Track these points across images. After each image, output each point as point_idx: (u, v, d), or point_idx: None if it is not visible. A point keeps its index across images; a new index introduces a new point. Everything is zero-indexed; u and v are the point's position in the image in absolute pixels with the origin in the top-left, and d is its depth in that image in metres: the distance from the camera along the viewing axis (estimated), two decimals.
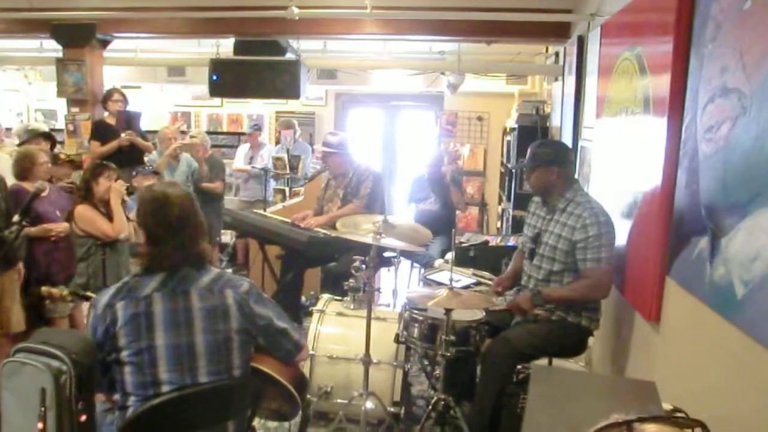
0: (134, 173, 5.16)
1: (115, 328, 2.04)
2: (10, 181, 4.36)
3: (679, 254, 2.38)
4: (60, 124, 8.04)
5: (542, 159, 3.19)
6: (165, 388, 2.04)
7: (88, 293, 2.62)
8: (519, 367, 3.01)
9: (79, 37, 5.90)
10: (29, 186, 4.13)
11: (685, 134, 2.42)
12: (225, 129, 9.85)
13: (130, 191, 4.45)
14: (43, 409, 1.84)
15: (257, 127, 7.80)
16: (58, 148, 5.80)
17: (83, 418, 1.90)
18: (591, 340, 3.26)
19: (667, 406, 1.62)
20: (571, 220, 3.06)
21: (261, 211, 5.61)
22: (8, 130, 8.14)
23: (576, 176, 4.07)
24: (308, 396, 3.38)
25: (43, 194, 3.93)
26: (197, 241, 2.19)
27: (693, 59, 2.40)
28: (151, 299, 2.08)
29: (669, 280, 2.51)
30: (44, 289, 2.67)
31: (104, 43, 6.20)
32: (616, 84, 3.45)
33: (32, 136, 5.50)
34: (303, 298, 5.37)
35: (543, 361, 3.16)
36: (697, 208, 2.23)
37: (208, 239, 2.38)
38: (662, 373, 2.49)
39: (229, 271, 6.89)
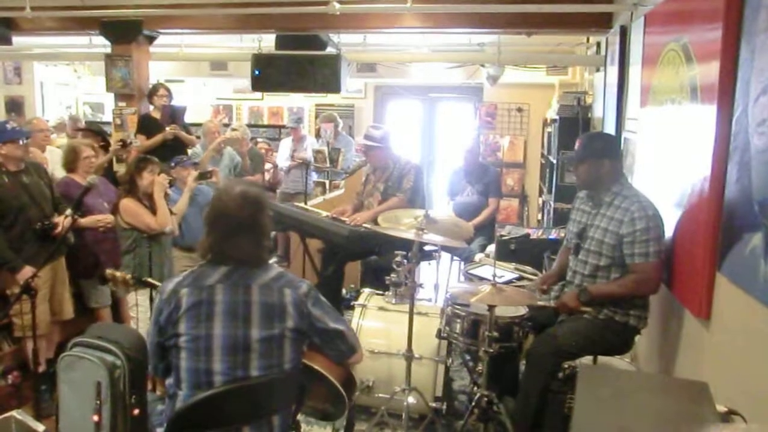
0: (173, 164, 5.23)
1: (178, 313, 2.12)
2: (61, 173, 4.49)
3: (731, 250, 2.33)
4: (107, 116, 8.23)
5: (594, 151, 3.14)
6: (217, 378, 2.09)
7: (150, 279, 2.69)
8: (565, 366, 2.98)
9: (126, 34, 6.02)
10: (78, 178, 4.24)
11: (735, 127, 2.36)
12: (266, 122, 9.98)
13: (170, 183, 4.53)
14: (98, 402, 1.89)
15: (299, 121, 7.86)
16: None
17: (136, 411, 1.96)
18: (637, 337, 3.21)
19: (721, 408, 1.58)
20: (618, 213, 3.01)
21: (302, 204, 5.66)
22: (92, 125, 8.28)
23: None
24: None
25: None
26: (264, 239, 2.27)
27: (744, 50, 2.33)
28: (214, 289, 2.14)
29: (720, 276, 2.45)
30: (109, 271, 2.74)
31: (150, 39, 6.32)
32: (662, 74, 3.38)
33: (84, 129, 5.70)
34: (343, 291, 5.40)
35: (588, 358, 3.13)
36: (750, 203, 2.18)
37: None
38: (713, 373, 2.43)
39: (272, 260, 6.99)
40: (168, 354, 2.17)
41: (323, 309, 2.28)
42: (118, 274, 2.77)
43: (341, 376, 2.40)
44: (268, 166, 7.07)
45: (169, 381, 2.17)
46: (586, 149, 3.18)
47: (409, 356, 3.30)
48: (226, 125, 7.94)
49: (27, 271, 3.71)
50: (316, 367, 2.32)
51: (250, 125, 8.56)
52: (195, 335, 2.10)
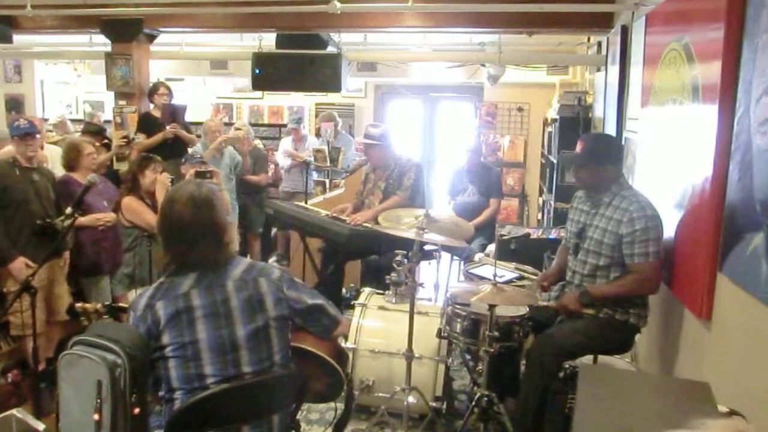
0: (183, 160, 5.25)
1: (158, 328, 2.08)
2: (60, 171, 4.49)
3: (732, 250, 2.33)
4: (107, 115, 8.23)
5: (598, 158, 3.11)
6: (210, 381, 2.07)
7: (122, 305, 2.67)
8: (566, 365, 2.97)
9: (126, 32, 6.02)
10: (78, 176, 4.24)
11: (737, 127, 2.35)
12: (266, 121, 9.98)
13: (174, 182, 4.53)
14: (99, 401, 1.89)
15: (300, 121, 7.86)
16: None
17: (136, 410, 1.95)
18: (637, 336, 3.21)
19: (722, 409, 1.58)
20: (617, 213, 3.01)
21: (302, 203, 5.66)
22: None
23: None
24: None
25: None
26: (225, 235, 2.22)
27: (746, 50, 2.33)
28: (190, 296, 2.11)
29: (721, 277, 2.45)
30: (78, 305, 2.71)
31: (151, 38, 6.32)
32: (663, 74, 3.38)
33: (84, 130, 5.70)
34: (344, 291, 5.40)
35: (588, 358, 3.13)
36: (751, 203, 2.17)
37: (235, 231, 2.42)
38: (714, 373, 2.44)
39: (272, 259, 7.00)
40: (154, 367, 2.13)
41: (298, 289, 2.28)
42: (88, 306, 2.74)
43: (330, 350, 2.40)
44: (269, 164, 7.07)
45: (162, 392, 2.15)
46: (589, 154, 3.14)
47: (409, 356, 3.30)
48: (228, 124, 7.93)
49: (20, 262, 3.74)
50: (305, 347, 2.32)
51: (250, 124, 8.57)
52: (180, 343, 2.07)
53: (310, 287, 2.38)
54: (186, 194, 2.17)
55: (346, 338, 3.48)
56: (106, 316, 2.60)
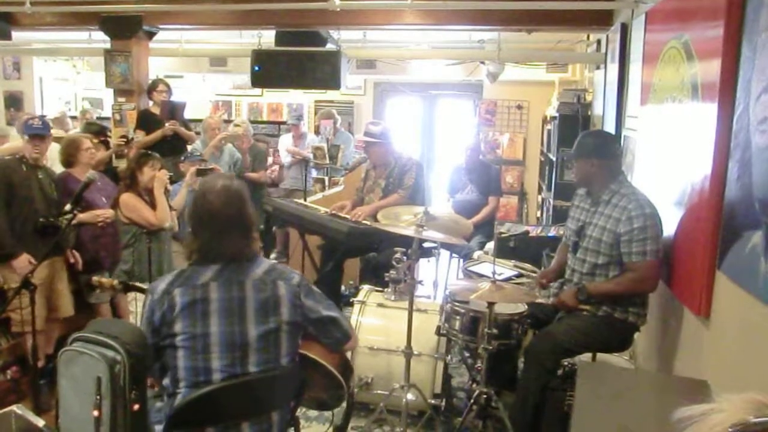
0: (183, 158, 5.24)
1: (173, 314, 2.10)
2: (58, 169, 4.49)
3: (731, 248, 2.33)
4: (106, 112, 8.22)
5: (584, 151, 3.15)
6: (215, 376, 2.09)
7: (138, 284, 2.68)
8: (564, 363, 2.98)
9: (126, 29, 6.01)
10: (77, 173, 4.24)
11: (736, 125, 2.35)
12: (265, 118, 9.98)
13: (173, 179, 4.53)
14: (98, 397, 1.89)
15: (300, 118, 7.86)
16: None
17: (136, 407, 1.95)
18: (636, 334, 3.21)
19: None
20: (616, 212, 3.02)
21: (301, 201, 5.65)
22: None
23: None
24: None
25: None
26: (252, 232, 2.26)
27: (745, 48, 2.33)
28: (208, 287, 2.13)
29: (719, 275, 2.44)
30: (95, 278, 2.73)
31: (150, 35, 6.31)
32: (663, 72, 3.38)
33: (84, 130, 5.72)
34: (342, 288, 5.40)
35: (587, 356, 3.14)
36: (750, 201, 2.17)
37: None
38: (713, 371, 2.44)
39: (271, 257, 7.00)
40: (162, 354, 2.15)
41: (315, 298, 2.29)
42: (104, 280, 2.76)
43: (337, 363, 2.41)
44: (274, 165, 7.07)
45: (166, 381, 2.16)
46: (578, 148, 3.21)
47: (408, 353, 3.30)
48: (227, 121, 7.92)
49: (23, 258, 3.75)
50: (312, 355, 2.33)
51: (249, 121, 8.56)
52: (192, 334, 2.09)
53: (323, 294, 2.38)
54: (219, 185, 2.22)
55: None
56: (120, 292, 2.61)
